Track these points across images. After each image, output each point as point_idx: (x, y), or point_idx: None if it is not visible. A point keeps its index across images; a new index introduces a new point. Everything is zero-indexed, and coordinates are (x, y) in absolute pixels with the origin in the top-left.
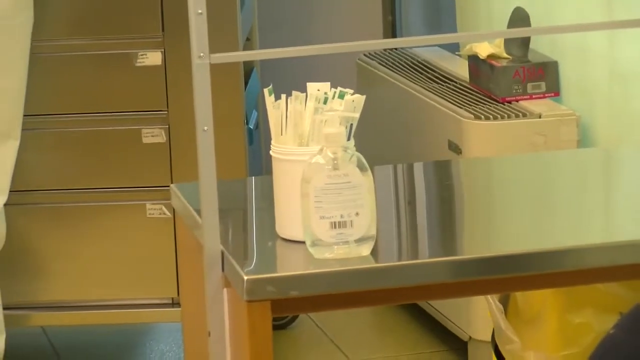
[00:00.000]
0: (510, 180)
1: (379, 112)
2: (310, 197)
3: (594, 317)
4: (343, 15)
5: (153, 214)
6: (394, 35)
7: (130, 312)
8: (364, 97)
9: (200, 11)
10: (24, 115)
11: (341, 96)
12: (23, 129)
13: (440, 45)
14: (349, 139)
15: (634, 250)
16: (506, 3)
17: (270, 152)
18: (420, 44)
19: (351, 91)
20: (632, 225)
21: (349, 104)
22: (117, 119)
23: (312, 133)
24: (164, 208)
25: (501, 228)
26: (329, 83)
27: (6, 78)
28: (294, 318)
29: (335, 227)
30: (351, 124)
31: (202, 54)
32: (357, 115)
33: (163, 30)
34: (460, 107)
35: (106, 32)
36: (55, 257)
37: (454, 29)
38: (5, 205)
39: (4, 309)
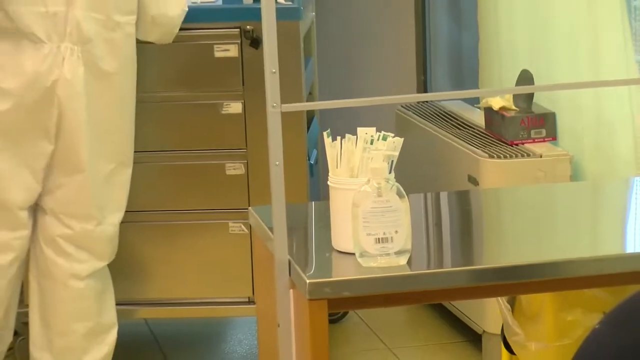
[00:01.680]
0: (517, 207)
1: (414, 152)
2: (359, 218)
3: (583, 315)
4: (386, 75)
5: (234, 230)
6: (425, 91)
7: (214, 308)
8: (402, 139)
9: (273, 70)
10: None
11: (384, 138)
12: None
13: (462, 100)
14: (390, 172)
15: (614, 263)
16: (515, 66)
17: (328, 182)
18: (446, 98)
19: (392, 134)
20: (613, 243)
21: (390, 145)
22: (206, 155)
23: (361, 167)
24: (242, 226)
25: (509, 244)
26: (374, 128)
27: (123, 120)
28: (345, 314)
29: (379, 242)
30: (392, 160)
31: (274, 104)
32: (396, 153)
33: (243, 85)
34: (478, 148)
35: (198, 86)
36: (157, 264)
37: (473, 87)
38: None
39: (123, 304)
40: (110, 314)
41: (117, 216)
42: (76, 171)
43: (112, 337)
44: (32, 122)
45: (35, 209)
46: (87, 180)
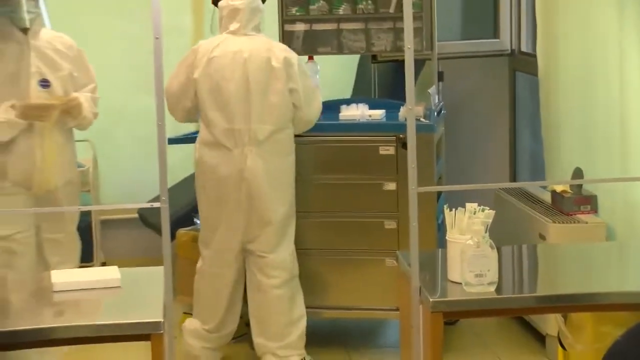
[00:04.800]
0: (570, 256)
1: (506, 218)
2: (465, 261)
3: (613, 328)
4: (489, 168)
5: (389, 264)
6: (514, 180)
7: (375, 312)
8: (494, 211)
9: (413, 166)
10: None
11: (482, 210)
12: (313, 218)
13: (538, 186)
14: (485, 232)
15: (634, 296)
16: (570, 165)
17: (446, 237)
18: (527, 185)
19: (488, 208)
20: (633, 282)
21: (486, 215)
22: (372, 215)
23: (467, 228)
24: (394, 261)
25: (564, 280)
26: (476, 203)
27: (290, 188)
28: (456, 321)
29: (477, 276)
30: (487, 224)
31: (413, 187)
32: (490, 220)
33: (397, 172)
34: (547, 217)
35: (369, 172)
36: (340, 284)
37: (544, 178)
38: (309, 255)
39: (316, 307)
40: (299, 309)
41: (290, 246)
42: (266, 225)
43: (302, 323)
44: (233, 196)
45: (245, 250)
46: (274, 230)
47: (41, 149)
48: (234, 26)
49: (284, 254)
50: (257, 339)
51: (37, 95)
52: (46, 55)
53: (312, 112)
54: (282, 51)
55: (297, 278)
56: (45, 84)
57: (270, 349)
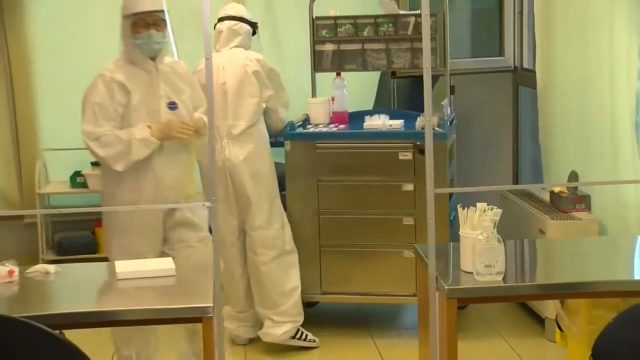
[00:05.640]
0: (566, 249)
1: (510, 215)
2: (476, 254)
3: (605, 312)
4: (496, 172)
5: (407, 255)
6: (517, 182)
7: (395, 298)
8: (501, 210)
9: (430, 170)
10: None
11: (491, 209)
12: (339, 215)
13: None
14: (494, 228)
15: (622, 284)
16: (566, 168)
17: (459, 233)
18: (528, 187)
19: (496, 207)
20: (622, 272)
21: (494, 213)
22: (392, 213)
23: (478, 225)
24: (412, 253)
25: (561, 270)
26: (485, 202)
27: (268, 172)
28: (466, 305)
29: (486, 267)
30: (495, 221)
31: (430, 188)
32: (497, 218)
33: (414, 175)
34: (546, 214)
35: (389, 175)
36: (363, 273)
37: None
38: (336, 248)
39: (342, 293)
40: (292, 282)
41: (275, 226)
42: (249, 205)
43: (296, 294)
44: (222, 186)
45: (244, 231)
46: (259, 210)
47: (169, 168)
48: (217, 45)
49: (269, 233)
50: (257, 309)
51: (166, 118)
52: (170, 80)
53: (286, 113)
54: (254, 60)
55: (292, 255)
56: (172, 106)
57: (267, 315)
